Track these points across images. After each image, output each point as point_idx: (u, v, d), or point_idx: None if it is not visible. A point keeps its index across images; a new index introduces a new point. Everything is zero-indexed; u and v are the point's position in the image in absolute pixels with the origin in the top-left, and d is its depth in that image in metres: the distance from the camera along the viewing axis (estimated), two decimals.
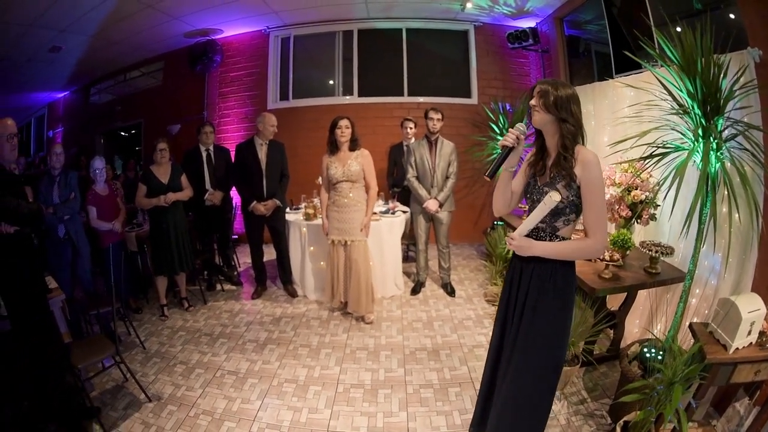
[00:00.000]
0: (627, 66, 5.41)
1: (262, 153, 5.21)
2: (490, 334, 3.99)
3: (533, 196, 2.36)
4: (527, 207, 2.46)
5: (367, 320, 4.80)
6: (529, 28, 6.98)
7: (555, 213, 2.24)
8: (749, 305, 2.52)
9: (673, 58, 2.87)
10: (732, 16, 4.06)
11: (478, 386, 3.45)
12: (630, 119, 3.59)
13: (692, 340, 2.80)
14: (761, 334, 2.58)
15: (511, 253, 2.53)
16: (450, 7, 6.89)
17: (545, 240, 2.31)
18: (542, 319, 2.30)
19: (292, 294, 5.54)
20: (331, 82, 7.88)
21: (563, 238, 2.31)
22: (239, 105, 7.80)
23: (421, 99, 7.64)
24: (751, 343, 2.56)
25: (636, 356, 3.15)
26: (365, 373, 3.87)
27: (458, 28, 7.65)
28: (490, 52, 7.69)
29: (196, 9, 6.26)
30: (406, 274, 6.09)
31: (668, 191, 2.76)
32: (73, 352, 3.19)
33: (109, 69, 8.74)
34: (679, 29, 2.93)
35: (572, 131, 2.19)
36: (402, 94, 7.70)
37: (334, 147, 4.62)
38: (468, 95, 7.79)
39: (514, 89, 7.74)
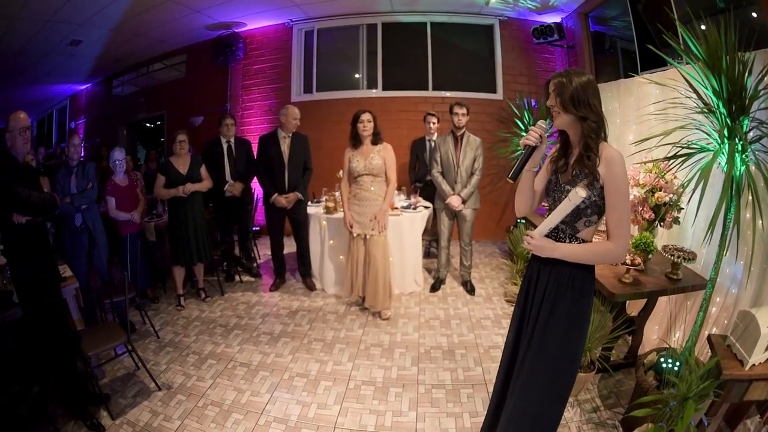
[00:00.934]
0: (653, 63, 5.28)
1: (284, 145, 5.19)
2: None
3: (554, 194, 2.28)
4: (548, 205, 2.35)
5: (384, 316, 4.75)
6: (555, 23, 6.86)
7: (576, 214, 2.14)
8: None
9: (698, 55, 2.77)
10: (755, 14, 3.98)
11: (491, 389, 3.22)
12: (655, 117, 3.50)
13: (709, 352, 2.72)
14: None
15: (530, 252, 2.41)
16: (474, 1, 6.81)
17: (564, 241, 2.21)
18: (558, 323, 2.21)
19: (311, 287, 5.52)
20: (356, 75, 7.86)
21: (583, 240, 2.21)
22: (263, 97, 7.82)
23: (446, 93, 7.56)
24: None
25: (652, 366, 3.04)
26: (378, 371, 3.81)
27: (483, 22, 7.55)
28: (515, 47, 7.58)
29: (218, 2, 6.26)
30: (426, 270, 6.03)
31: (692, 194, 2.64)
32: (84, 339, 3.22)
33: (131, 61, 8.81)
34: (703, 26, 2.84)
35: (594, 128, 2.09)
36: (427, 89, 7.63)
37: (356, 141, 4.58)
38: (493, 90, 7.68)
39: (539, 85, 7.51)
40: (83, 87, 11.00)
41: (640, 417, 2.75)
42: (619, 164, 2.06)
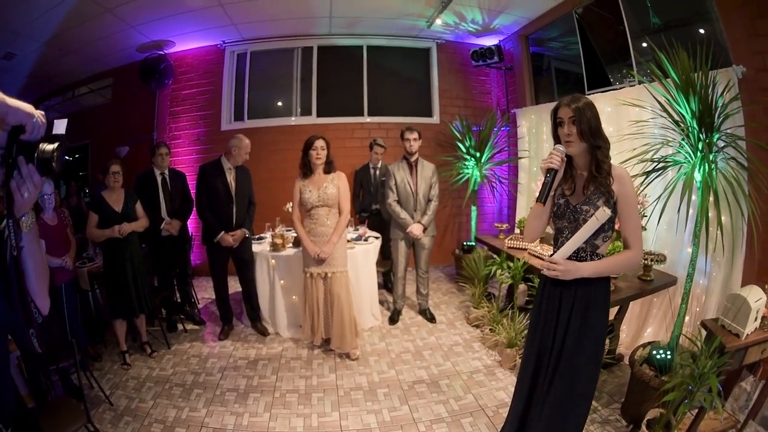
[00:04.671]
0: (599, 83, 5.45)
1: (230, 177, 4.74)
2: (484, 358, 4.44)
3: (569, 216, 2.35)
4: (558, 227, 2.45)
5: (353, 356, 4.41)
6: (494, 45, 6.94)
7: (596, 232, 2.24)
8: (754, 296, 2.82)
9: (673, 76, 3.08)
10: (702, 31, 4.31)
11: (489, 413, 3.52)
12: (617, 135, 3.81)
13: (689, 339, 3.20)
14: (763, 318, 2.93)
15: (540, 279, 2.58)
16: (415, 24, 6.71)
17: (586, 260, 2.31)
18: (589, 338, 2.30)
19: (263, 332, 5.01)
20: (289, 101, 7.48)
21: (602, 256, 2.33)
22: (191, 126, 7.24)
23: (382, 119, 7.40)
24: (756, 328, 2.88)
25: (645, 359, 3.34)
26: (368, 416, 3.52)
27: (420, 45, 7.50)
28: (452, 70, 7.59)
29: (154, 17, 5.73)
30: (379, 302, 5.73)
31: (665, 202, 3.09)
32: (41, 423, 2.54)
33: (59, 83, 7.93)
34: (662, 46, 3.21)
35: (606, 153, 2.25)
36: (362, 114, 7.42)
37: (307, 170, 4.28)
38: (430, 114, 7.62)
39: (475, 107, 7.68)
40: None
41: (644, 403, 3.14)
42: (630, 180, 2.28)
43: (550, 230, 2.62)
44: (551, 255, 2.38)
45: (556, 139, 2.32)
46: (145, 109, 7.25)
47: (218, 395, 3.78)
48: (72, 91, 8.18)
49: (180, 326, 5.20)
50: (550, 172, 2.26)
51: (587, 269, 2.24)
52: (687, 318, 3.36)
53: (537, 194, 2.33)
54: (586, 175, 2.30)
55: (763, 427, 3.21)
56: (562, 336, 2.35)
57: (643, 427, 2.96)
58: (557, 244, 2.47)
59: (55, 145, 1.34)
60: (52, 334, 3.83)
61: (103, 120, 7.69)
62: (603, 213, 2.14)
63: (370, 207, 6.08)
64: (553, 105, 5.14)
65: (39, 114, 1.33)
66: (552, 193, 2.35)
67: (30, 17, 5.30)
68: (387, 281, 6.35)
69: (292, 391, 3.85)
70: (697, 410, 2.86)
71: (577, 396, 2.34)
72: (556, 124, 2.31)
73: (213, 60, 7.12)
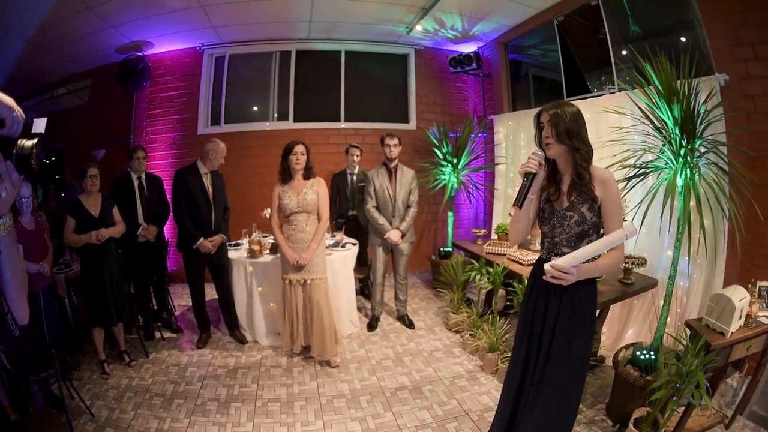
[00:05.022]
0: (578, 90, 5.53)
1: (207, 182, 4.66)
2: (465, 363, 4.46)
3: (553, 221, 2.40)
4: (544, 232, 2.50)
5: (333, 364, 4.37)
6: (473, 52, 6.98)
7: (580, 236, 2.32)
8: (738, 295, 2.95)
9: (657, 84, 3.15)
10: (683, 39, 4.41)
11: (474, 418, 3.54)
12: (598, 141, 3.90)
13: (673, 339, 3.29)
14: (747, 316, 3.09)
15: (529, 282, 2.63)
16: (394, 30, 6.71)
17: None
18: (578, 340, 2.33)
19: (241, 340, 4.92)
20: (266, 106, 7.38)
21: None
22: (168, 129, 7.08)
23: (358, 125, 7.37)
24: (740, 326, 3.02)
25: (629, 360, 3.42)
26: (352, 424, 3.48)
27: (398, 51, 7.49)
28: (429, 77, 7.60)
29: (135, 17, 5.59)
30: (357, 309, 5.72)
31: (647, 206, 3.21)
32: None
33: (39, 83, 7.64)
34: (644, 54, 3.31)
35: (586, 157, 2.27)
36: (339, 120, 7.37)
37: (287, 175, 4.25)
38: (406, 120, 7.62)
39: (452, 114, 7.70)
40: None
41: (629, 402, 3.22)
42: (614, 182, 2.30)
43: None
44: (549, 258, 2.40)
45: (540, 144, 2.34)
46: (122, 111, 7.08)
47: (199, 405, 3.69)
48: (51, 91, 7.95)
49: (157, 334, 5.06)
50: (527, 176, 2.30)
51: (584, 272, 2.22)
52: (668, 319, 3.42)
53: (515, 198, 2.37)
54: (569, 181, 2.34)
55: (752, 422, 3.35)
56: (549, 338, 2.37)
57: (631, 426, 3.02)
58: (543, 248, 2.52)
59: (34, 141, 1.28)
60: (31, 343, 3.71)
61: (80, 122, 7.48)
62: (631, 230, 2.12)
63: (347, 213, 6.04)
64: (531, 111, 5.31)
65: (19, 109, 1.27)
66: (532, 197, 2.38)
67: (14, 12, 5.13)
68: (364, 288, 6.34)
69: (274, 400, 3.79)
70: (684, 408, 2.95)
71: (566, 397, 2.37)
72: (540, 129, 2.34)
73: (191, 63, 7.00)
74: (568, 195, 2.34)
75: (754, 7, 3.44)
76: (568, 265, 2.14)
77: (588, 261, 2.22)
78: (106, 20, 5.58)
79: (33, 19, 5.27)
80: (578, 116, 2.26)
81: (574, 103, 2.37)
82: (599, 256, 2.28)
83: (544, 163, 2.33)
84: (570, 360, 2.32)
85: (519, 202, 2.32)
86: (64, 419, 2.67)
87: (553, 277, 2.16)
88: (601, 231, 2.37)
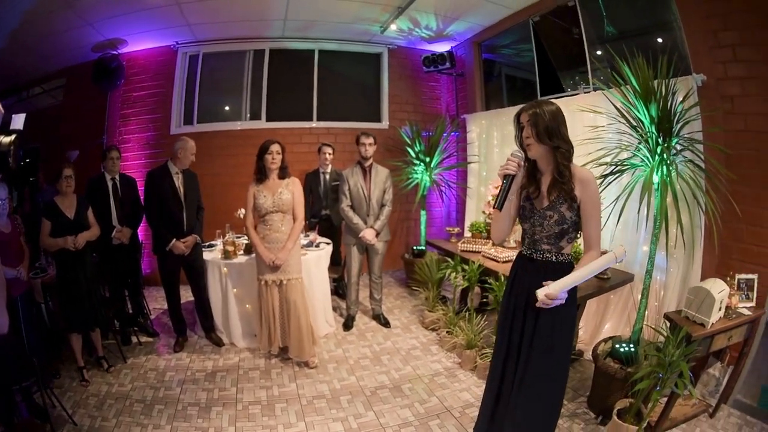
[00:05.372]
0: (551, 90, 5.62)
1: (178, 182, 4.60)
2: (443, 360, 4.52)
3: (533, 220, 2.42)
4: (524, 229, 2.53)
5: (311, 365, 4.38)
6: (447, 51, 7.02)
7: (560, 234, 2.36)
8: (717, 288, 3.06)
9: (635, 84, 3.24)
10: (660, 40, 4.47)
11: (456, 414, 3.60)
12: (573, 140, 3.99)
13: (653, 332, 3.37)
14: (727, 308, 3.22)
15: (508, 282, 2.67)
16: (369, 29, 6.71)
17: (551, 259, 2.41)
18: (560, 329, 2.37)
19: (218, 343, 4.89)
20: (238, 105, 7.31)
21: (567, 255, 2.43)
22: (141, 129, 6.94)
23: (331, 124, 7.36)
24: (720, 317, 3.14)
25: (608, 353, 3.51)
26: (335, 424, 3.49)
27: (372, 50, 7.50)
28: (402, 76, 7.64)
29: (112, 14, 5.46)
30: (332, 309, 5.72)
31: (624, 203, 3.26)
32: None
33: (14, 81, 7.40)
34: (621, 54, 3.37)
35: (566, 156, 2.30)
36: (311, 119, 7.35)
37: (262, 174, 4.24)
38: (379, 120, 7.65)
39: (425, 113, 7.76)
40: None
41: (611, 395, 3.32)
42: (594, 182, 2.33)
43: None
44: (530, 255, 2.48)
45: (521, 145, 2.38)
46: (96, 111, 6.91)
47: (180, 410, 3.66)
48: (27, 90, 7.71)
49: (134, 339, 4.98)
50: (507, 178, 2.33)
51: (566, 286, 2.21)
52: (646, 312, 3.55)
53: (493, 200, 2.42)
54: (549, 180, 2.37)
55: (737, 410, 3.49)
56: (531, 330, 2.40)
57: (615, 417, 3.08)
58: (524, 243, 2.56)
59: (12, 137, 1.24)
60: (12, 352, 3.60)
61: (54, 122, 7.27)
62: (621, 252, 2.20)
63: (320, 212, 6.03)
64: (504, 110, 5.36)
65: None
66: (512, 197, 2.42)
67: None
68: (338, 287, 6.35)
69: (255, 403, 3.78)
70: (667, 398, 3.06)
71: (552, 388, 2.43)
72: (520, 129, 2.37)
73: (165, 61, 6.88)
74: (548, 194, 2.37)
75: (736, 10, 3.55)
76: (559, 291, 2.18)
77: (559, 259, 2.39)
78: (83, 17, 5.46)
79: (15, 14, 5.12)
80: (557, 114, 2.29)
81: (553, 101, 2.39)
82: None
83: (523, 163, 2.36)
84: (554, 350, 2.36)
85: (499, 204, 2.35)
86: (48, 429, 2.62)
87: (545, 303, 2.18)
88: (580, 233, 2.42)
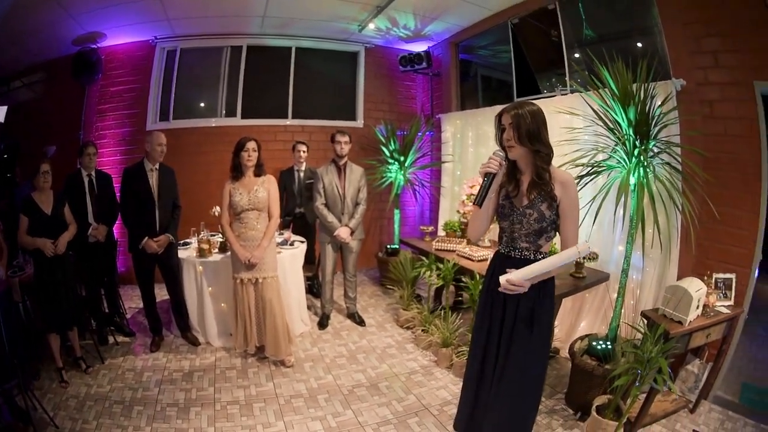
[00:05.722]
0: (527, 91, 5.70)
1: (152, 179, 4.57)
2: (419, 359, 4.59)
3: (513, 218, 2.45)
4: (502, 227, 2.56)
5: (288, 363, 4.40)
6: (424, 51, 7.08)
7: (539, 232, 2.40)
8: (694, 286, 3.15)
9: (613, 87, 3.30)
10: (639, 45, 4.60)
11: (434, 412, 3.65)
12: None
13: (629, 330, 3.52)
14: (704, 306, 3.30)
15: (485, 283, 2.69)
16: (347, 27, 6.71)
17: (529, 257, 2.44)
18: (539, 325, 2.41)
19: (194, 342, 4.87)
20: (214, 102, 7.23)
21: (545, 253, 2.47)
22: (117, 125, 6.80)
23: (306, 122, 7.36)
24: (698, 315, 3.22)
25: (585, 351, 3.61)
26: (313, 423, 3.52)
27: (349, 49, 7.50)
28: (378, 75, 7.66)
29: (93, 6, 5.35)
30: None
31: (600, 204, 3.36)
32: None
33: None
34: (600, 58, 3.45)
35: (546, 159, 2.35)
36: (286, 117, 7.33)
37: (238, 172, 4.22)
38: (353, 118, 7.68)
39: (400, 112, 7.81)
40: None
41: (589, 391, 3.40)
42: (573, 185, 2.39)
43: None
44: (508, 252, 2.52)
45: (501, 145, 2.41)
46: (74, 106, 6.77)
47: (159, 411, 3.65)
48: (8, 85, 7.33)
49: (111, 338, 4.92)
50: (487, 176, 2.36)
51: (534, 276, 2.25)
52: (623, 310, 3.63)
53: (468, 199, 2.47)
54: (528, 180, 2.41)
55: (718, 405, 3.61)
56: (511, 326, 2.44)
57: (594, 413, 3.16)
58: (502, 242, 2.59)
59: None
60: None
61: (33, 117, 7.05)
62: (585, 248, 2.22)
63: (294, 210, 6.02)
64: (479, 111, 5.41)
65: None
66: (491, 195, 2.45)
67: None
68: (312, 286, 6.36)
69: (233, 403, 3.79)
70: (646, 394, 3.14)
71: (531, 383, 2.47)
72: (501, 130, 2.40)
73: (143, 56, 6.76)
74: (527, 193, 2.40)
75: (719, 18, 3.63)
76: (522, 279, 2.23)
77: (537, 258, 2.41)
78: (67, 8, 5.32)
79: (3, 5, 4.98)
80: (538, 115, 2.33)
81: (534, 102, 2.44)
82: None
83: (504, 162, 2.39)
84: (533, 343, 2.41)
85: (479, 201, 2.38)
86: None
87: (507, 288, 2.24)
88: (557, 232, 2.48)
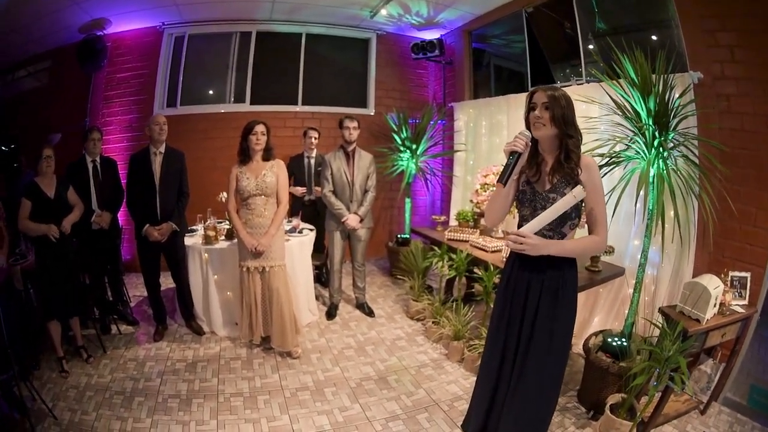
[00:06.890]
0: (541, 81, 5.57)
1: (156, 164, 4.45)
2: (430, 351, 4.48)
3: (535, 204, 2.38)
4: (523, 215, 2.47)
5: (295, 354, 4.31)
6: (436, 39, 6.97)
7: (563, 218, 2.28)
8: (712, 284, 3.08)
9: (633, 78, 3.25)
10: (654, 37, 4.50)
11: (444, 407, 3.54)
12: None
13: (647, 326, 3.47)
14: (721, 304, 3.21)
15: (507, 264, 2.60)
16: (359, 14, 6.57)
17: None
18: (561, 322, 2.36)
19: (198, 331, 4.79)
20: (223, 88, 7.14)
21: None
22: (123, 111, 6.73)
23: (316, 108, 7.25)
24: (715, 313, 3.14)
25: (600, 347, 3.50)
26: (320, 417, 3.42)
27: (360, 36, 7.38)
28: (390, 62, 7.55)
29: None
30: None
31: (619, 195, 3.33)
32: None
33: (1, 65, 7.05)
34: (618, 48, 3.38)
35: (577, 144, 2.30)
36: (296, 103, 7.22)
37: (246, 156, 4.11)
38: (365, 105, 7.57)
39: (411, 100, 7.70)
40: None
41: (604, 389, 3.32)
42: (596, 168, 2.36)
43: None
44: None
45: (527, 124, 2.35)
46: (79, 94, 6.67)
47: (160, 402, 3.57)
48: (12, 73, 7.25)
49: (114, 327, 4.85)
50: (513, 155, 2.30)
51: (555, 247, 2.27)
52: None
53: (498, 176, 2.38)
54: (551, 163, 2.35)
55: (727, 407, 3.53)
56: (531, 321, 2.39)
57: (608, 412, 3.07)
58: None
59: None
60: None
61: (39, 106, 6.97)
62: (580, 191, 2.17)
63: (304, 198, 5.92)
64: (493, 99, 5.34)
65: None
66: (515, 177, 2.39)
67: None
68: (320, 275, 6.25)
69: (237, 395, 3.70)
70: (660, 393, 3.06)
71: (550, 380, 2.42)
72: (530, 108, 2.34)
73: (150, 42, 6.65)
74: (550, 177, 2.35)
75: (735, 13, 3.53)
76: (525, 230, 2.23)
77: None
78: None
79: None
80: (571, 102, 2.29)
81: (564, 89, 2.38)
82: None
83: (530, 143, 2.34)
84: (554, 340, 2.35)
85: (504, 179, 2.32)
86: (27, 425, 2.52)
87: (516, 243, 2.24)
88: (583, 218, 2.41)
